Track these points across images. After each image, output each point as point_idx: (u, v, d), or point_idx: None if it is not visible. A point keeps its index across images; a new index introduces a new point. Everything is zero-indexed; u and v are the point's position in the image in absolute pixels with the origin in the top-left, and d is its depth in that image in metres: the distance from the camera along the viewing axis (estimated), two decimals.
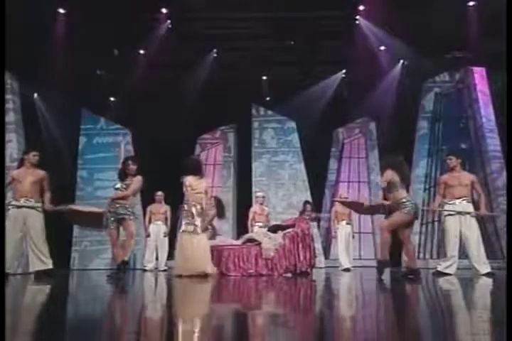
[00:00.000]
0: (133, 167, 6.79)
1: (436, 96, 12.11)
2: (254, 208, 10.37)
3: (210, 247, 7.81)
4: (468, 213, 6.92)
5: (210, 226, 9.24)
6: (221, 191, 13.02)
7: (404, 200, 6.22)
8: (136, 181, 6.79)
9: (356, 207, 8.61)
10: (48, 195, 6.89)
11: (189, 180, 7.04)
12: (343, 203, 9.54)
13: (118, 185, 6.83)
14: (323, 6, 11.04)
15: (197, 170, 7.14)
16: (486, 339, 2.23)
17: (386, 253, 6.26)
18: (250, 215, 10.11)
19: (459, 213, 6.90)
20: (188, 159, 7.49)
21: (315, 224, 11.79)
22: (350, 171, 13.72)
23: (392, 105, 12.65)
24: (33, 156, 6.90)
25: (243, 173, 13.14)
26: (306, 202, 10.56)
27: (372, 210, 8.08)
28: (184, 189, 7.06)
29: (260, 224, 9.81)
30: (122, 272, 6.62)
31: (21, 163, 7.00)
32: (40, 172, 6.90)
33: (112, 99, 13.50)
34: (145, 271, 10.26)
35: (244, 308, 3.49)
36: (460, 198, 6.97)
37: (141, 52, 12.47)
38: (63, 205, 7.13)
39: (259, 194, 10.61)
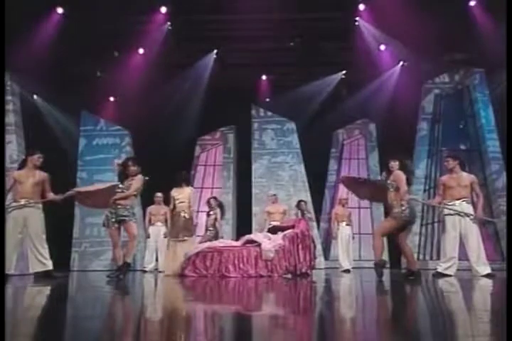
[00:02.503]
0: (133, 168, 6.79)
1: (436, 97, 12.11)
2: (267, 208, 10.29)
3: (210, 248, 7.87)
4: (468, 215, 6.92)
5: (211, 228, 9.27)
6: (221, 192, 13.02)
7: (395, 203, 6.27)
8: (138, 180, 6.79)
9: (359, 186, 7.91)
10: (51, 195, 6.90)
11: (171, 193, 8.34)
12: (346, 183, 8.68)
13: (120, 186, 6.82)
14: (322, 7, 11.04)
15: (179, 183, 8.31)
16: (486, 340, 2.23)
17: (380, 255, 6.34)
18: (264, 215, 10.08)
19: (458, 214, 6.91)
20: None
21: (315, 225, 11.79)
22: (350, 172, 13.71)
23: (392, 106, 12.64)
24: (37, 158, 6.88)
25: (243, 174, 13.14)
26: (300, 201, 10.52)
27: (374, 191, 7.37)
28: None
29: (274, 223, 9.69)
30: (123, 273, 6.61)
31: (23, 164, 6.99)
32: (42, 174, 6.89)
33: (111, 100, 13.50)
34: (145, 272, 10.25)
35: (243, 310, 3.48)
36: (459, 199, 6.97)
37: (141, 53, 12.47)
38: (70, 191, 7.20)
39: (270, 193, 10.66)
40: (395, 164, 6.44)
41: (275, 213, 10.06)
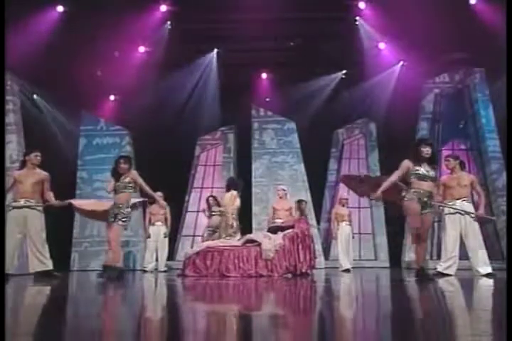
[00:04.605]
0: (124, 166, 6.74)
1: (436, 97, 12.10)
2: (274, 203, 9.71)
3: (210, 248, 7.87)
4: (468, 213, 6.91)
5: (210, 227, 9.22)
6: (221, 192, 13.00)
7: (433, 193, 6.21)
8: (136, 175, 6.80)
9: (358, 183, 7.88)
10: (50, 194, 6.90)
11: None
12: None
13: (117, 184, 6.78)
14: (322, 7, 11.04)
15: (226, 188, 9.11)
16: (486, 340, 2.23)
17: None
18: (270, 211, 9.55)
19: (459, 213, 6.90)
20: None
21: (315, 224, 11.76)
22: (350, 172, 13.69)
23: (392, 106, 12.63)
24: (34, 156, 6.88)
25: (243, 174, 13.12)
26: (300, 200, 10.05)
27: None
28: None
29: (279, 221, 9.08)
30: (116, 277, 6.51)
31: (23, 164, 6.99)
32: (42, 173, 6.89)
33: (111, 99, 13.49)
34: (145, 272, 10.24)
35: (243, 309, 3.48)
36: (460, 199, 6.97)
37: (141, 52, 12.46)
38: (66, 202, 7.18)
39: (279, 187, 9.88)
40: (430, 151, 6.23)
41: (280, 210, 9.34)
